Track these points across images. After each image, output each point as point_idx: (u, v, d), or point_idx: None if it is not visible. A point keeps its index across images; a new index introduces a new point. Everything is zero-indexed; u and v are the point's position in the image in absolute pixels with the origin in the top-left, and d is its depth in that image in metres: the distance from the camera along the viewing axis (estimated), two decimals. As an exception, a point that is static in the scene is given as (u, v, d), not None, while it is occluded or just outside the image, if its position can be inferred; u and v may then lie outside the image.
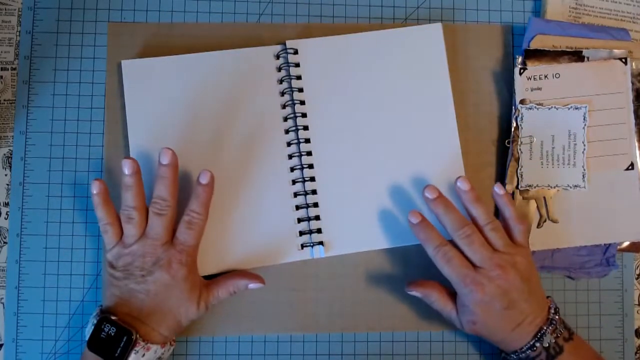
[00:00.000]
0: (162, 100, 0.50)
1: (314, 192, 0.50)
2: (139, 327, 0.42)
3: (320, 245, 0.49)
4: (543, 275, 0.51)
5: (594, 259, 0.51)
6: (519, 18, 0.54)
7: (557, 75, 0.51)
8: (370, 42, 0.51)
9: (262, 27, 0.52)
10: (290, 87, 0.50)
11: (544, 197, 0.51)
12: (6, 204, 0.50)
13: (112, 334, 0.41)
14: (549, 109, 0.50)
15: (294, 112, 0.50)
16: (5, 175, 0.50)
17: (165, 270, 0.43)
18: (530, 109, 0.50)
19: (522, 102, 0.51)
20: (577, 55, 0.51)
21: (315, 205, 0.49)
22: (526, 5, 0.54)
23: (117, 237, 0.45)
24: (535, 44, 0.51)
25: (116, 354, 0.41)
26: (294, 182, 0.50)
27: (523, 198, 0.51)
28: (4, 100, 0.51)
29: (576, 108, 0.50)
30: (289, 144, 0.50)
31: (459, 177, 0.47)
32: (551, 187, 0.50)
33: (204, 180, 0.45)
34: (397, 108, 0.51)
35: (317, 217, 0.49)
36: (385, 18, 0.53)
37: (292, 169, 0.50)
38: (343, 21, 0.53)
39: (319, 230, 0.49)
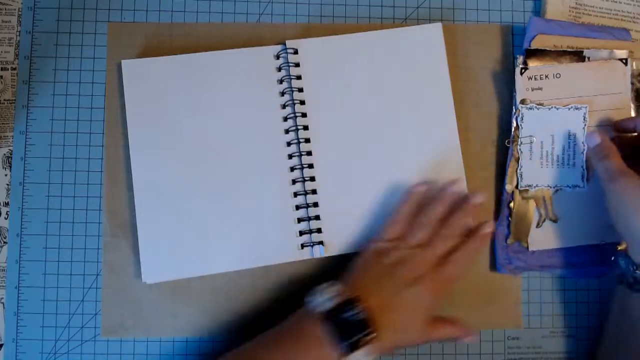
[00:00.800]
0: (162, 100, 0.50)
1: (314, 192, 0.50)
2: (378, 326, 0.40)
3: (320, 245, 0.49)
4: (542, 274, 0.52)
5: (593, 258, 0.51)
6: (519, 18, 0.54)
7: (558, 75, 0.51)
8: (370, 42, 0.51)
9: (262, 27, 0.52)
10: (290, 87, 0.50)
11: (544, 197, 0.51)
12: (6, 204, 0.50)
13: (356, 320, 0.39)
14: (549, 109, 0.50)
15: (294, 112, 0.50)
16: (5, 175, 0.50)
17: (426, 289, 0.42)
18: (530, 109, 0.50)
19: (522, 102, 0.51)
20: (578, 55, 0.51)
21: (315, 205, 0.49)
22: (526, 5, 0.54)
23: (398, 232, 0.46)
24: (536, 44, 0.51)
25: (351, 341, 0.39)
26: (294, 182, 0.50)
27: (522, 198, 0.51)
28: (4, 100, 0.51)
29: (576, 108, 0.50)
30: (289, 144, 0.50)
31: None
32: (551, 187, 0.50)
33: (489, 229, 0.45)
34: (397, 108, 0.51)
35: (317, 217, 0.49)
36: (385, 18, 0.53)
37: (292, 169, 0.50)
38: (343, 21, 0.53)
39: (319, 230, 0.49)
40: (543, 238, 0.50)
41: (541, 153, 0.51)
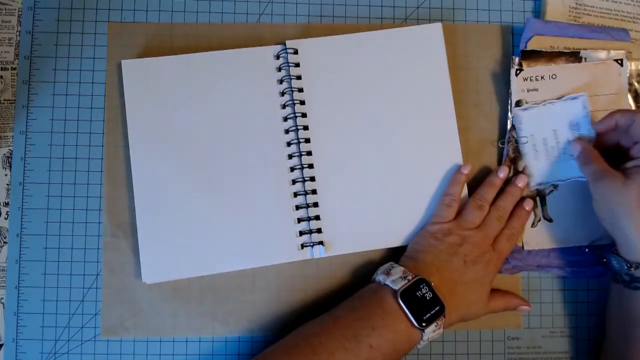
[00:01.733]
0: (162, 100, 0.50)
1: (314, 192, 0.50)
2: (446, 303, 0.43)
3: (320, 245, 0.49)
4: (542, 274, 0.52)
5: (590, 258, 0.51)
6: (519, 18, 0.54)
7: (554, 76, 0.51)
8: (370, 42, 0.51)
9: (262, 27, 0.52)
10: (290, 87, 0.50)
11: (539, 197, 0.51)
12: (6, 204, 0.50)
13: (428, 298, 0.43)
14: (544, 105, 0.50)
15: (294, 112, 0.50)
16: (5, 175, 0.50)
17: (485, 268, 0.46)
18: (525, 109, 0.50)
19: (518, 103, 0.51)
20: (574, 56, 0.51)
21: (315, 205, 0.49)
22: (526, 5, 0.54)
23: (453, 215, 0.48)
24: (532, 45, 0.51)
25: (424, 317, 0.42)
26: (294, 182, 0.50)
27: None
28: (4, 100, 0.51)
29: (573, 98, 0.50)
30: (289, 144, 0.50)
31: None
32: (563, 181, 0.50)
33: (528, 207, 0.50)
34: (397, 108, 0.51)
35: (317, 217, 0.49)
36: (385, 18, 0.53)
37: (292, 169, 0.50)
38: (343, 21, 0.53)
39: (319, 230, 0.49)
40: (538, 238, 0.50)
41: (546, 150, 0.50)
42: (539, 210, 0.51)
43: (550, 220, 0.50)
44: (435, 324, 0.43)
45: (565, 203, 0.51)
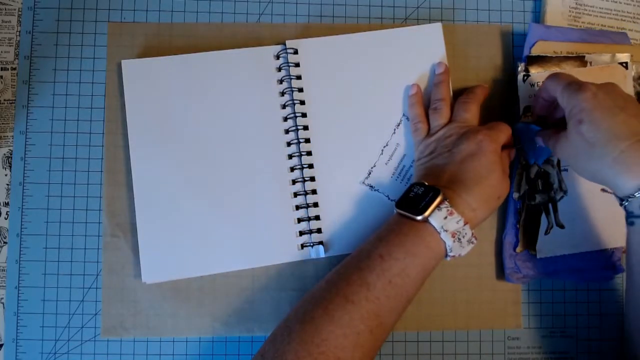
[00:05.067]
0: (162, 100, 0.50)
1: (314, 192, 0.50)
2: (445, 191, 0.42)
3: (320, 245, 0.49)
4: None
5: (599, 263, 0.51)
6: (519, 18, 0.54)
7: None
8: (370, 42, 0.51)
9: (262, 27, 0.52)
10: (290, 87, 0.50)
11: (550, 203, 0.50)
12: (6, 204, 0.50)
13: (420, 193, 0.43)
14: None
15: (294, 112, 0.50)
16: (5, 175, 0.50)
17: (471, 140, 0.44)
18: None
19: (525, 109, 0.50)
20: (579, 60, 0.51)
21: (315, 205, 0.49)
22: (526, 5, 0.54)
23: (425, 132, 0.49)
24: (536, 50, 0.51)
25: (420, 206, 0.41)
26: (294, 182, 0.50)
27: (530, 205, 0.50)
28: (4, 100, 0.51)
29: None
30: (289, 144, 0.50)
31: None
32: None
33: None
34: (396, 108, 0.51)
35: (317, 217, 0.49)
36: (385, 18, 0.53)
37: (292, 169, 0.50)
38: (343, 21, 0.53)
39: (319, 230, 0.49)
40: (550, 245, 0.50)
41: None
42: (551, 217, 0.50)
43: (562, 227, 0.50)
44: (438, 209, 0.41)
45: (575, 209, 0.50)
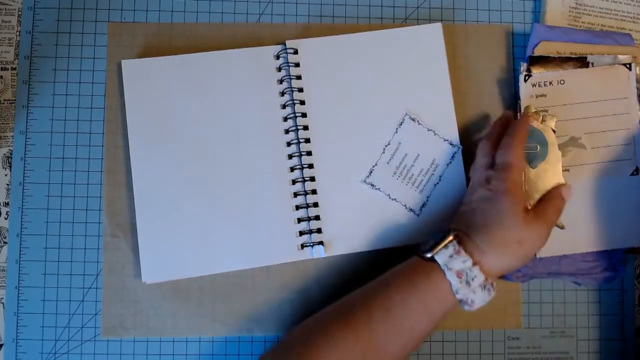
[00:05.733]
0: (162, 100, 0.50)
1: (314, 192, 0.50)
2: (458, 233, 0.43)
3: (320, 245, 0.49)
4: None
5: (600, 264, 0.50)
6: (519, 18, 0.54)
7: (562, 82, 0.51)
8: (370, 42, 0.51)
9: (262, 27, 0.52)
10: (290, 87, 0.50)
11: None
12: (6, 204, 0.50)
13: (437, 238, 0.43)
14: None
15: (294, 112, 0.50)
16: (5, 175, 0.50)
17: (485, 187, 0.44)
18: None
19: (526, 109, 0.50)
20: (581, 61, 0.51)
21: (315, 205, 0.49)
22: (526, 5, 0.54)
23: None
24: (539, 51, 0.51)
25: (430, 245, 0.42)
26: (294, 182, 0.50)
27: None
28: (4, 100, 0.51)
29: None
30: (289, 144, 0.50)
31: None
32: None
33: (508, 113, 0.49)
34: (396, 108, 0.51)
35: (317, 217, 0.49)
36: (385, 18, 0.53)
37: (292, 169, 0.50)
38: (343, 21, 0.53)
39: (319, 230, 0.49)
40: (551, 245, 0.48)
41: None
42: None
43: (562, 228, 0.49)
44: (446, 247, 0.41)
45: (576, 209, 0.50)
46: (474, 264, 0.41)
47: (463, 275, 0.41)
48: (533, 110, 0.49)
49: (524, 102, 0.51)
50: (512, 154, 0.44)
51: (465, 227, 0.43)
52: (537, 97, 0.51)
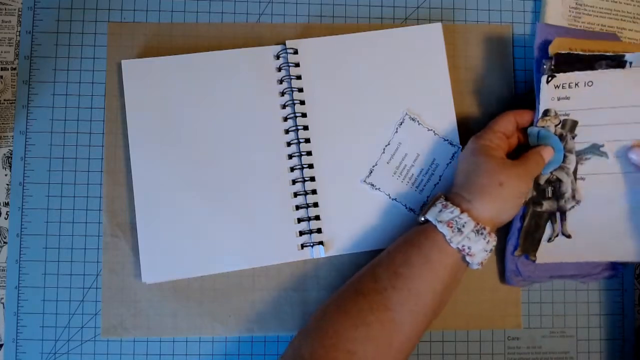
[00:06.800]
0: (162, 100, 0.50)
1: (314, 192, 0.50)
2: (446, 195, 0.45)
3: (320, 245, 0.49)
4: (543, 275, 0.52)
5: (601, 265, 0.49)
6: (519, 18, 0.54)
7: (590, 83, 0.46)
8: (370, 42, 0.51)
9: (262, 27, 0.52)
10: (290, 87, 0.50)
11: (559, 212, 0.48)
12: (6, 204, 0.50)
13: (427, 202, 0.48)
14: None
15: (294, 112, 0.50)
16: (5, 175, 0.50)
17: (468, 148, 0.46)
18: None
19: (545, 113, 0.47)
20: (617, 61, 0.46)
21: (315, 205, 0.49)
22: (526, 5, 0.54)
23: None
24: (554, 49, 0.47)
25: (419, 212, 0.47)
26: (294, 182, 0.50)
27: (536, 212, 0.48)
28: (4, 100, 0.51)
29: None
30: (289, 144, 0.50)
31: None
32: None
33: None
34: (397, 108, 0.51)
35: (317, 217, 0.49)
36: (385, 18, 0.53)
37: (292, 169, 0.50)
38: (343, 21, 0.53)
39: (319, 230, 0.49)
40: (553, 252, 0.48)
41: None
42: (557, 225, 0.48)
43: (568, 237, 0.48)
44: (434, 205, 0.44)
45: (585, 219, 0.48)
46: (462, 211, 0.43)
47: (453, 224, 0.42)
48: (553, 114, 0.47)
49: (543, 105, 0.47)
50: (494, 122, 0.47)
51: (451, 189, 0.46)
52: (559, 99, 0.47)
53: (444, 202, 0.44)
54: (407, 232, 0.45)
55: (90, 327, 0.49)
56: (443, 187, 0.50)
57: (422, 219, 0.44)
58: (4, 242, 0.50)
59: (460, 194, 0.44)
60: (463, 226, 0.42)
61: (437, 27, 0.52)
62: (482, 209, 0.43)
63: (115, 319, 0.49)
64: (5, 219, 0.50)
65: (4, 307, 0.49)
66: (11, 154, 0.51)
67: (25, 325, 0.49)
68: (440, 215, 0.43)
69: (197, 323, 0.49)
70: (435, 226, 0.43)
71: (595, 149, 0.47)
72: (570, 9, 0.53)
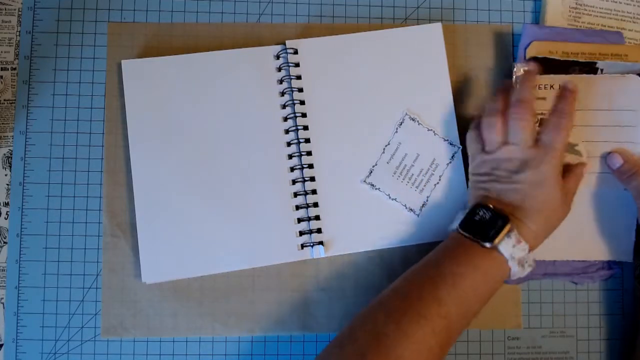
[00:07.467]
0: (162, 100, 0.50)
1: (314, 192, 0.50)
2: (511, 219, 0.43)
3: (320, 245, 0.49)
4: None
5: (595, 264, 0.50)
6: (518, 18, 0.54)
7: None
8: (370, 42, 0.51)
9: (262, 27, 0.52)
10: (290, 87, 0.50)
11: None
12: (6, 204, 0.50)
13: (487, 218, 0.43)
14: None
15: (294, 112, 0.50)
16: (5, 175, 0.50)
17: (534, 169, 0.43)
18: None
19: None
20: (589, 67, 0.49)
21: (315, 205, 0.49)
22: (526, 5, 0.54)
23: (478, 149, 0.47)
24: (531, 52, 0.50)
25: (490, 234, 0.42)
26: (294, 182, 0.50)
27: None
28: (4, 100, 0.51)
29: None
30: (289, 144, 0.50)
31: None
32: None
33: (571, 85, 0.45)
34: (397, 108, 0.51)
35: (317, 217, 0.49)
36: (385, 18, 0.53)
37: (292, 169, 0.50)
38: (343, 21, 0.53)
39: (319, 230, 0.49)
40: (547, 249, 0.48)
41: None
42: None
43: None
44: (508, 236, 0.42)
45: (584, 217, 0.49)
46: (530, 249, 0.43)
47: (524, 262, 0.42)
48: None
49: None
50: (561, 136, 0.44)
51: (518, 212, 0.43)
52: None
53: (518, 237, 0.42)
54: (464, 248, 0.43)
55: (90, 327, 0.49)
56: (444, 189, 0.50)
57: (489, 245, 0.42)
58: (4, 242, 0.50)
59: (529, 227, 0.43)
60: (526, 262, 0.43)
61: (437, 27, 0.52)
62: (540, 243, 0.44)
63: (115, 319, 0.49)
64: (5, 219, 0.50)
65: (4, 307, 0.49)
66: (11, 154, 0.51)
67: (25, 325, 0.49)
68: (514, 251, 0.42)
69: (197, 323, 0.49)
70: (506, 260, 0.42)
71: (570, 148, 0.49)
72: (571, 9, 0.53)
